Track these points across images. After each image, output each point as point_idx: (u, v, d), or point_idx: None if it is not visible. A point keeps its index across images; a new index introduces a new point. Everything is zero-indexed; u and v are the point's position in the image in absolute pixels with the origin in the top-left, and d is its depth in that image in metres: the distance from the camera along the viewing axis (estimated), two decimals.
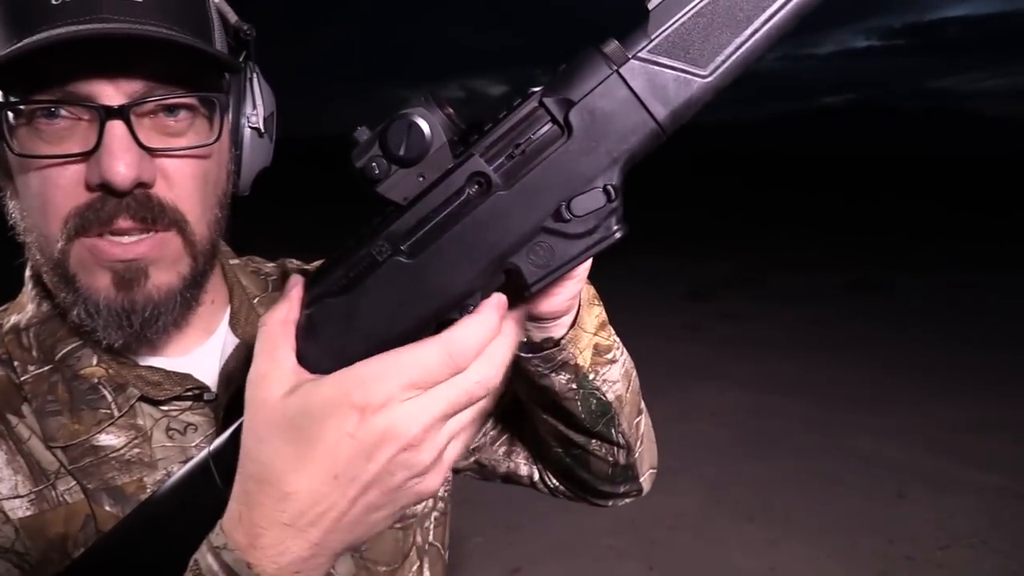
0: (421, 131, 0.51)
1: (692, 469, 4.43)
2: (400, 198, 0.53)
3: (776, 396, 5.58)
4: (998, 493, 4.15)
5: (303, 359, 0.55)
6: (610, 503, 1.03)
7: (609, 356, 0.83)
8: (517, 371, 0.80)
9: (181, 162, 0.73)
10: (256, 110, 0.82)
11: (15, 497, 0.72)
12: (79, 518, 0.73)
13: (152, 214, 0.71)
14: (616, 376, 0.84)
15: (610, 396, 0.84)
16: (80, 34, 0.65)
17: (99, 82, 0.68)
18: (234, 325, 0.87)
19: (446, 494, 0.98)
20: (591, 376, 0.81)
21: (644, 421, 0.95)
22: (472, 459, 1.03)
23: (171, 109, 0.72)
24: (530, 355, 0.77)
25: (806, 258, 10.80)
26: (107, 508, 0.73)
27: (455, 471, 0.98)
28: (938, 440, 4.78)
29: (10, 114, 0.69)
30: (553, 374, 0.79)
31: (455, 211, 0.52)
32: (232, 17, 0.81)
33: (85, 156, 0.68)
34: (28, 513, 0.72)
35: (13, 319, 0.81)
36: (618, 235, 0.51)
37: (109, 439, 0.75)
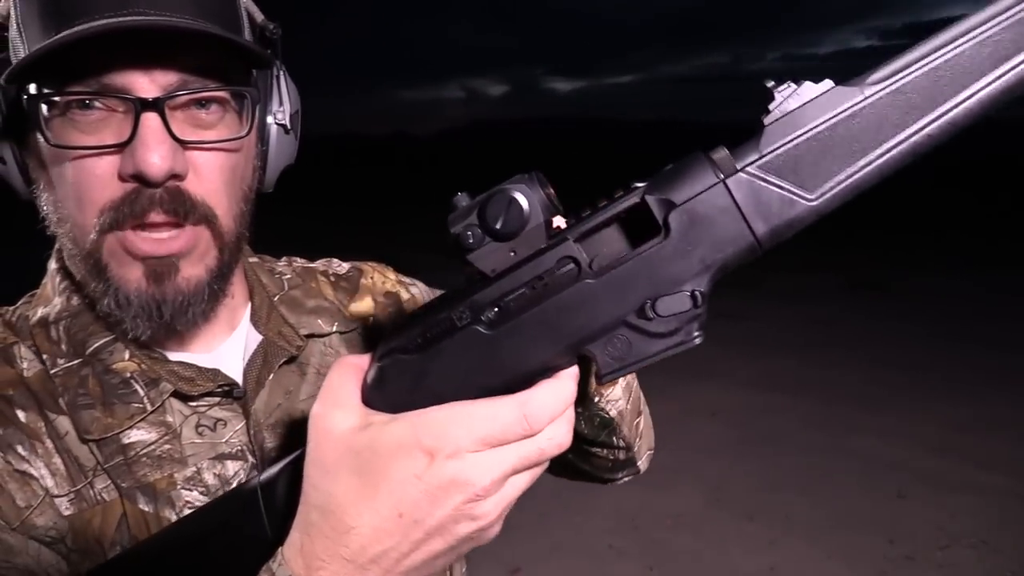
0: (520, 208, 0.52)
1: (692, 469, 4.43)
2: (489, 269, 0.53)
3: (776, 395, 5.58)
4: (998, 493, 4.15)
5: (367, 407, 0.56)
6: (608, 485, 1.06)
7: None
8: None
9: (211, 155, 0.74)
10: (282, 107, 0.84)
11: (54, 496, 0.73)
12: (115, 517, 0.74)
13: (184, 208, 0.72)
14: (618, 395, 0.87)
15: (612, 413, 0.87)
16: (117, 26, 0.65)
17: (134, 74, 0.69)
18: (255, 322, 0.87)
19: None
20: (596, 399, 0.84)
21: (643, 418, 0.97)
22: None
23: (203, 103, 0.73)
24: None
25: (806, 257, 10.78)
26: (141, 506, 0.74)
27: None
28: (938, 440, 4.78)
29: (44, 106, 0.69)
30: None
31: (541, 291, 0.52)
32: (259, 16, 0.82)
33: (120, 147, 0.69)
34: (68, 512, 0.73)
35: (40, 312, 0.81)
36: (697, 341, 0.51)
37: (140, 434, 0.76)
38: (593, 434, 0.89)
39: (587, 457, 0.95)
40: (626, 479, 1.04)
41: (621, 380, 0.86)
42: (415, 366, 0.54)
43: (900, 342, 6.78)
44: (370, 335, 0.94)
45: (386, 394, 0.55)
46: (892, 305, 8.15)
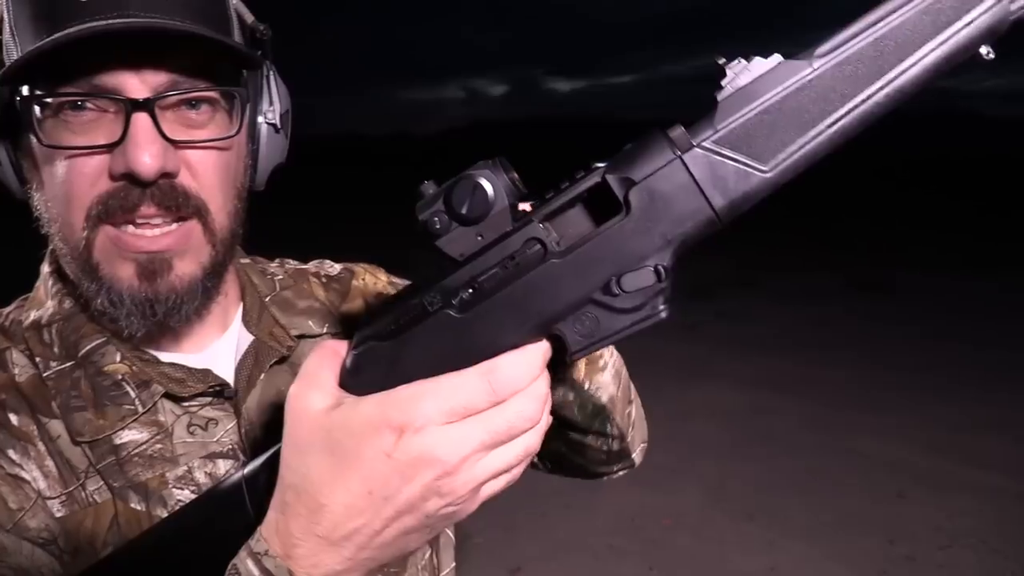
0: (485, 193, 0.53)
1: (692, 469, 4.43)
2: (457, 254, 0.54)
3: (775, 396, 5.58)
4: (998, 493, 4.16)
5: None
6: (604, 479, 1.07)
7: (600, 364, 0.86)
8: None
9: (204, 153, 0.75)
10: (273, 106, 0.84)
11: (46, 499, 0.73)
12: (107, 518, 0.75)
13: (176, 202, 0.73)
14: (608, 380, 0.88)
15: (604, 399, 0.88)
16: (108, 28, 0.67)
17: (125, 75, 0.70)
18: (247, 322, 0.88)
19: None
20: (586, 385, 0.86)
21: (635, 407, 0.99)
22: None
23: (193, 103, 0.74)
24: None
25: (805, 257, 10.80)
26: (133, 505, 0.75)
27: None
28: (938, 440, 4.78)
29: (37, 107, 0.70)
30: (558, 387, 0.83)
31: (508, 273, 0.53)
32: (249, 17, 0.83)
33: (111, 147, 0.70)
34: (60, 514, 0.73)
35: (33, 315, 0.82)
36: (663, 315, 0.52)
37: (132, 434, 0.77)
38: (587, 422, 0.90)
39: (581, 449, 0.96)
40: (621, 472, 1.04)
41: (610, 367, 0.88)
42: (389, 352, 0.55)
43: (900, 342, 6.78)
44: None
45: (361, 381, 0.55)
46: (892, 305, 8.16)
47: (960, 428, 4.94)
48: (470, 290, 0.54)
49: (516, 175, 0.55)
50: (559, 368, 0.79)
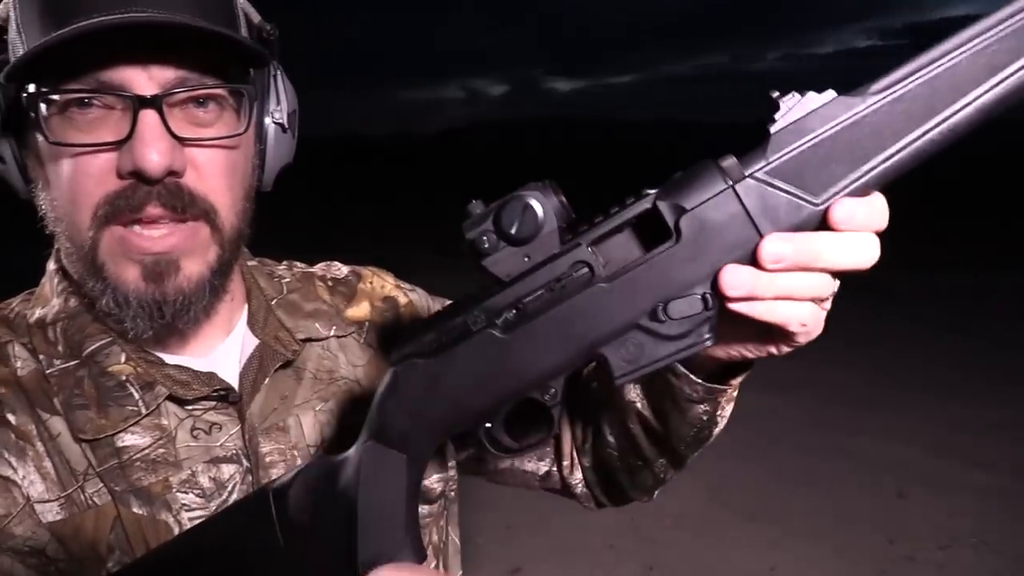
0: (535, 213, 0.53)
1: (692, 469, 4.36)
2: (503, 274, 0.54)
3: (776, 396, 5.57)
4: (998, 493, 4.15)
5: (382, 413, 0.57)
6: (620, 505, 1.04)
7: (735, 394, 0.85)
8: (645, 381, 0.81)
9: (211, 152, 0.74)
10: (280, 106, 0.84)
11: (44, 501, 0.72)
12: (108, 521, 0.73)
13: (182, 203, 0.72)
14: (728, 413, 0.87)
15: (717, 432, 0.87)
16: (114, 22, 0.66)
17: (132, 71, 0.69)
18: (252, 325, 0.87)
19: (452, 493, 0.97)
20: (723, 410, 0.85)
21: None
22: (472, 450, 1.00)
23: (201, 100, 0.73)
24: (706, 382, 0.77)
25: None
26: (135, 510, 0.74)
27: (456, 464, 0.98)
28: (938, 440, 4.78)
29: (43, 104, 0.70)
30: (702, 404, 0.81)
31: (554, 295, 0.53)
32: (256, 17, 0.83)
33: (118, 145, 0.70)
34: (59, 518, 0.72)
35: (39, 312, 0.81)
36: (709, 344, 0.52)
37: (134, 438, 0.76)
38: (693, 448, 0.89)
39: (643, 471, 0.94)
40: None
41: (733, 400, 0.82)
42: (430, 370, 0.55)
43: (900, 342, 6.78)
44: (367, 340, 0.94)
45: (399, 399, 0.56)
46: (893, 305, 8.15)
47: (960, 428, 4.94)
48: (514, 311, 0.54)
49: (564, 198, 0.55)
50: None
